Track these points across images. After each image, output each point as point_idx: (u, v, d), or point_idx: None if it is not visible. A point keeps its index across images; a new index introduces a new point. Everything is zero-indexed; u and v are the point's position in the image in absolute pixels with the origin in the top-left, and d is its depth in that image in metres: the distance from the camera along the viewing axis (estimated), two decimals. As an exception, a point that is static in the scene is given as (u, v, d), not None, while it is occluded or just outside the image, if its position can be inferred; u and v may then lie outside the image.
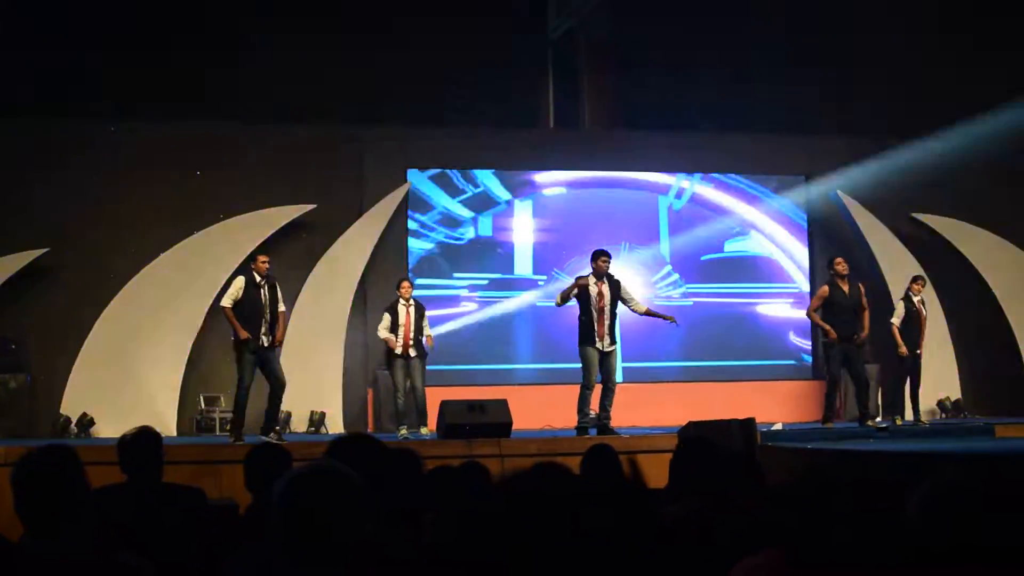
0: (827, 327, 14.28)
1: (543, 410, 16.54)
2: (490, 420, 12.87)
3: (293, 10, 17.36)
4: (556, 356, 17.86)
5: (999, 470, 9.08)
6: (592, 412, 13.61)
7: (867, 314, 14.50)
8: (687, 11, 17.99)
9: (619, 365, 14.48)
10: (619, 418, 14.13)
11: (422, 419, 14.25)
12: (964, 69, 17.98)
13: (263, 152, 17.50)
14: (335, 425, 16.64)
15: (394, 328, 14.33)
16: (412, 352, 14.33)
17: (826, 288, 14.47)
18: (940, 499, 3.59)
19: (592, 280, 13.60)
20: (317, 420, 16.49)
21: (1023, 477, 8.63)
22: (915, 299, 15.40)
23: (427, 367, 14.55)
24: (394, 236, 17.85)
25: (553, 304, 14.17)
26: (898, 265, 18.27)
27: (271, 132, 17.64)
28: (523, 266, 18.50)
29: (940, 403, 17.98)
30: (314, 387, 16.56)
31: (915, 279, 15.72)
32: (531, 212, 18.63)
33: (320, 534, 3.31)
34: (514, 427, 13.11)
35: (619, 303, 13.71)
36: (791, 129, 19.07)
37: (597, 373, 13.58)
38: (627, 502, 2.60)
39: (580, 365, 13.67)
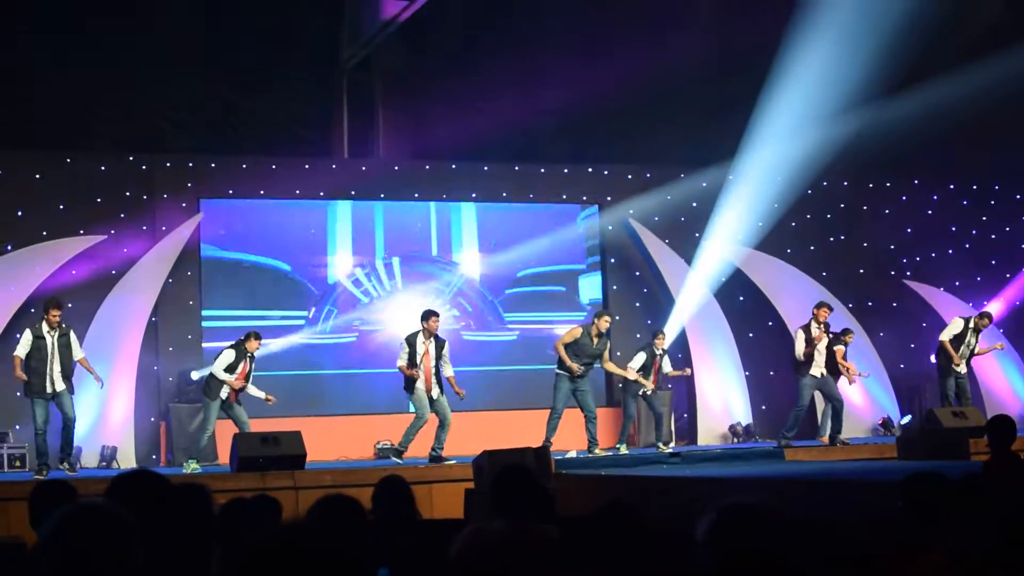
0: (569, 362, 14.85)
1: (338, 441, 16.50)
2: (284, 452, 12.82)
3: (78, 37, 17.00)
4: (351, 388, 17.93)
5: (787, 493, 9.28)
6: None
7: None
8: (479, 42, 18.06)
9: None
10: (413, 447, 14.14)
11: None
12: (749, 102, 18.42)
13: (52, 181, 17.04)
14: (127, 460, 16.21)
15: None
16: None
17: (578, 330, 15.07)
18: (726, 522, 3.63)
19: (420, 339, 14.31)
20: (108, 455, 16.06)
21: (811, 499, 8.84)
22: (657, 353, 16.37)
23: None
24: (188, 267, 17.51)
25: None
26: (689, 293, 18.57)
27: (62, 161, 17.22)
28: (320, 302, 18.30)
29: (731, 428, 18.28)
30: (105, 421, 16.14)
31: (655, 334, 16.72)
32: (333, 246, 18.46)
33: (83, 573, 3.19)
34: (309, 458, 13.07)
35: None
36: (583, 158, 19.28)
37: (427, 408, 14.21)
38: (417, 532, 2.56)
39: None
